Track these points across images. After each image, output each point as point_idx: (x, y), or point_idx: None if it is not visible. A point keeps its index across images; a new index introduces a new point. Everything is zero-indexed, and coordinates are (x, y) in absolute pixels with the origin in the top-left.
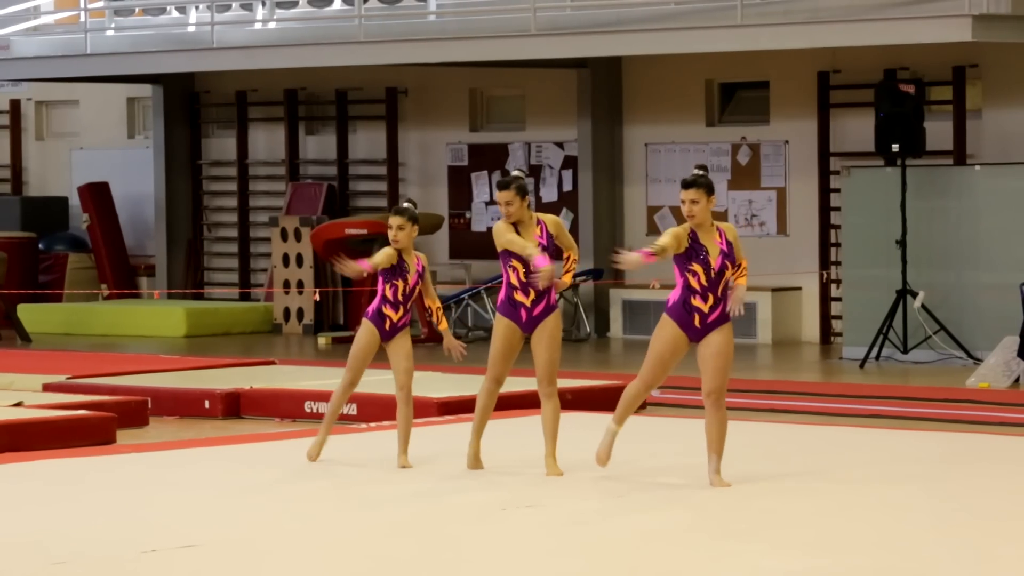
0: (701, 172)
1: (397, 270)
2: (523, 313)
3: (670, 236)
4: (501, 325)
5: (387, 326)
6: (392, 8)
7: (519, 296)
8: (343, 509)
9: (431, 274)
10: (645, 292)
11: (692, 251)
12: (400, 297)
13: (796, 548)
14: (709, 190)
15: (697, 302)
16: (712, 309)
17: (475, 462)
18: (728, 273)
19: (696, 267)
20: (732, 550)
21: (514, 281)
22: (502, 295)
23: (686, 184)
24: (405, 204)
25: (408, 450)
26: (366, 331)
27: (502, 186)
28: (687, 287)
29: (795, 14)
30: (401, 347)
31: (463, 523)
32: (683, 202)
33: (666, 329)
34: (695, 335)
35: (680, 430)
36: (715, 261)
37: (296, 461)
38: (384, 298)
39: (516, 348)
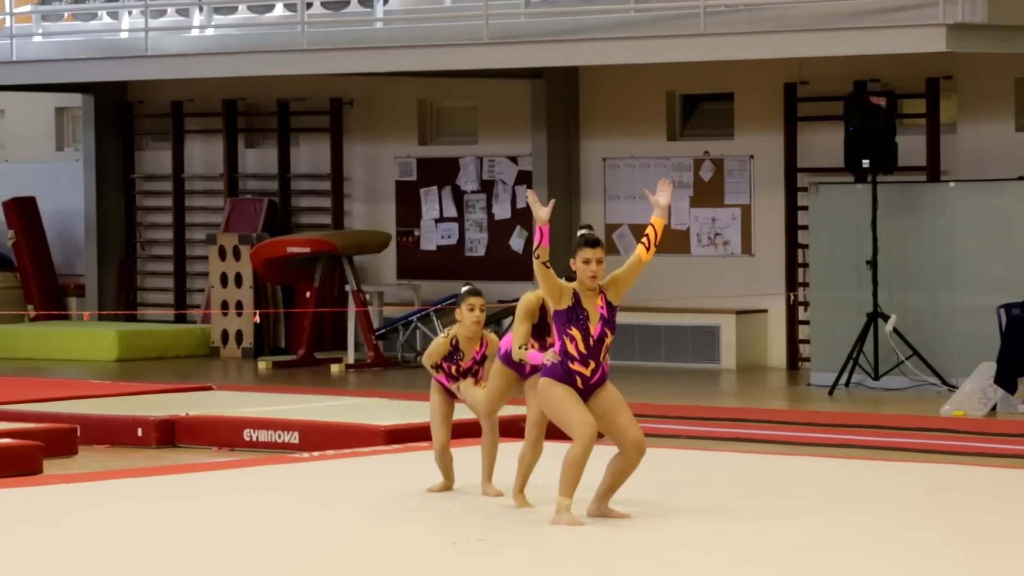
0: (592, 230)
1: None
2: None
3: (549, 296)
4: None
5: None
6: (337, 14)
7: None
8: (281, 542)
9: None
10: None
11: (572, 312)
12: (455, 373)
13: None
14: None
15: (577, 367)
16: (594, 373)
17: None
18: (608, 340)
19: (574, 331)
20: None
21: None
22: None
23: (593, 242)
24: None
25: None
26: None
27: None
28: (564, 352)
29: (760, 23)
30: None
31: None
32: (587, 262)
33: (557, 387)
34: (579, 396)
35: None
36: (594, 328)
37: (233, 493)
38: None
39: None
